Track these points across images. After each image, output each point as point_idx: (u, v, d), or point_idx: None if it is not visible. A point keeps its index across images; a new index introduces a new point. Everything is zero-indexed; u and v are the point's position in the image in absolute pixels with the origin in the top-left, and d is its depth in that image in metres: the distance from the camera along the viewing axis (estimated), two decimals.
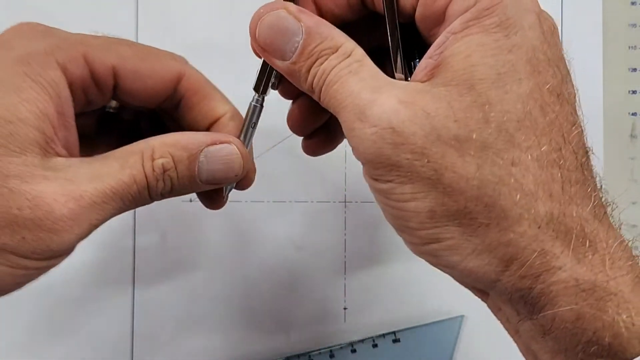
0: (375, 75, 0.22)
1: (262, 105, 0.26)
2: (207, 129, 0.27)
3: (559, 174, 0.21)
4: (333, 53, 0.23)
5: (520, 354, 0.38)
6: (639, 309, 0.20)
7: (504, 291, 0.21)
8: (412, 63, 0.25)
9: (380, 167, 0.21)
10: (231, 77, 0.36)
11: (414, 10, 0.23)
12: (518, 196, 0.20)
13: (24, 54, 0.22)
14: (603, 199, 0.22)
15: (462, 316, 0.36)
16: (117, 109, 0.28)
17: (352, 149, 0.22)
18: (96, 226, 0.23)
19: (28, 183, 0.21)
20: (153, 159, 0.24)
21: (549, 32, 0.22)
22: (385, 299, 0.37)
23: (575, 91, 0.23)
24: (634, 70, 0.39)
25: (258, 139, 0.36)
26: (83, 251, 0.36)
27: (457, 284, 0.39)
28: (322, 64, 0.23)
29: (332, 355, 0.36)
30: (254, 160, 0.27)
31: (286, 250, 0.36)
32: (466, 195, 0.20)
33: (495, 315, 0.23)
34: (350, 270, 0.37)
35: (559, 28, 0.38)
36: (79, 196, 0.22)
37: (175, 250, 0.36)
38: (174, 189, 0.25)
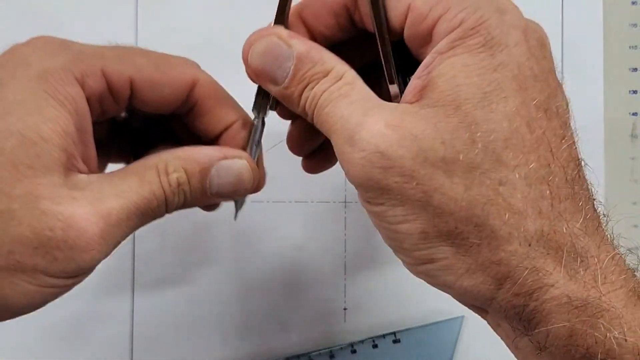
0: (365, 97, 0.23)
1: (263, 124, 0.27)
2: (219, 135, 0.27)
3: (548, 191, 0.21)
4: (324, 77, 0.23)
5: None
6: (631, 324, 0.20)
7: (499, 309, 0.21)
8: (407, 78, 0.25)
9: (371, 191, 0.22)
10: (231, 77, 0.36)
11: (402, 29, 0.23)
12: (507, 215, 0.20)
13: (42, 70, 0.22)
14: (597, 211, 0.22)
15: (462, 317, 0.36)
16: (127, 116, 0.28)
17: (345, 172, 0.22)
18: (120, 243, 0.24)
19: (59, 204, 0.21)
20: (168, 174, 0.24)
21: (537, 47, 0.22)
22: (385, 299, 0.37)
23: (567, 103, 0.23)
24: (635, 70, 0.38)
25: None
26: None
27: None
28: (313, 88, 0.23)
29: (332, 356, 0.36)
30: (264, 166, 0.28)
31: (286, 250, 0.36)
32: (456, 216, 0.21)
33: (495, 331, 0.23)
34: (350, 270, 0.37)
35: (559, 28, 0.38)
36: (107, 214, 0.22)
37: (174, 251, 0.36)
38: (186, 202, 0.25)
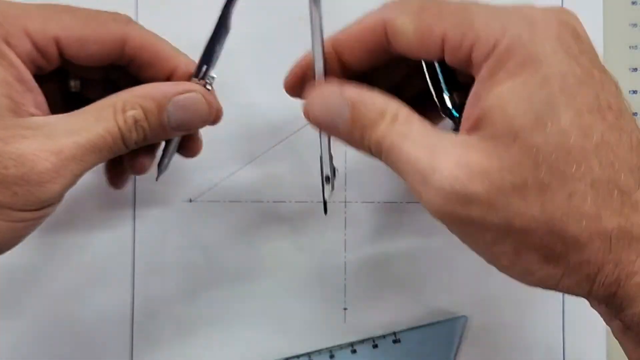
0: (424, 133, 0.24)
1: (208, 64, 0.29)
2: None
3: (616, 191, 0.22)
4: (381, 119, 0.25)
5: (520, 355, 0.38)
6: None
7: (595, 297, 0.23)
8: (453, 94, 0.26)
9: (455, 222, 0.23)
10: (231, 76, 0.36)
11: (443, 57, 0.25)
12: (584, 222, 0.22)
13: None
14: None
15: (464, 317, 0.36)
16: (81, 87, 0.30)
17: (426, 209, 0.24)
18: (79, 176, 0.26)
19: (9, 144, 0.23)
20: (125, 111, 0.26)
21: (573, 43, 0.23)
22: (385, 299, 0.37)
23: (616, 86, 0.23)
24: (635, 70, 0.38)
25: (258, 139, 0.36)
26: (83, 251, 0.36)
27: (460, 284, 0.39)
28: (373, 133, 0.25)
29: (332, 356, 0.36)
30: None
31: (286, 250, 0.36)
32: (539, 232, 0.22)
33: (595, 310, 0.25)
34: (350, 270, 0.37)
35: None
36: (59, 150, 0.24)
37: (175, 250, 0.36)
38: (147, 137, 0.27)
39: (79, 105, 0.27)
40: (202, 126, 0.29)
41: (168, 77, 0.29)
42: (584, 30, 0.24)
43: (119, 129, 0.26)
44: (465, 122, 0.24)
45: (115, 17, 0.28)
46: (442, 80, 0.26)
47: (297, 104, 0.36)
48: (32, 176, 0.24)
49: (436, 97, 0.26)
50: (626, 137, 0.22)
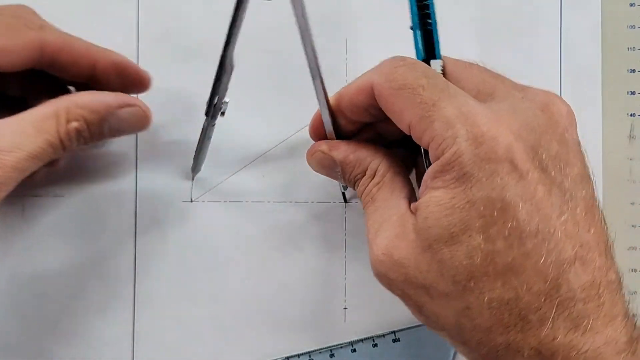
0: (384, 203, 0.28)
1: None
2: (90, 79, 0.30)
3: (515, 311, 0.23)
4: (363, 176, 0.29)
5: None
6: None
7: None
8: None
9: (384, 286, 0.28)
10: (231, 77, 0.36)
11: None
12: (475, 332, 0.24)
13: None
14: (574, 315, 0.23)
15: None
16: (20, 94, 0.31)
17: None
18: (19, 180, 0.27)
19: None
20: (68, 122, 0.27)
21: (510, 172, 0.24)
22: (385, 299, 0.36)
23: (585, 202, 0.25)
24: (633, 71, 0.39)
25: (258, 139, 0.36)
26: (83, 252, 0.36)
27: None
28: (357, 187, 0.30)
29: (332, 355, 0.36)
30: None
31: (286, 250, 0.36)
32: (440, 324, 0.26)
33: None
34: (350, 270, 0.37)
35: (558, 29, 0.38)
36: (2, 165, 0.25)
37: (175, 250, 0.36)
38: (85, 144, 0.28)
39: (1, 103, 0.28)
40: (137, 132, 0.31)
41: (90, 74, 0.30)
42: (570, 131, 0.25)
43: (61, 140, 0.27)
44: (413, 205, 0.26)
45: (27, 22, 0.29)
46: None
47: (296, 104, 0.36)
48: None
49: (423, 159, 0.28)
50: (532, 265, 0.23)
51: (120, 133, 0.30)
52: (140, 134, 0.36)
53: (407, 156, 0.31)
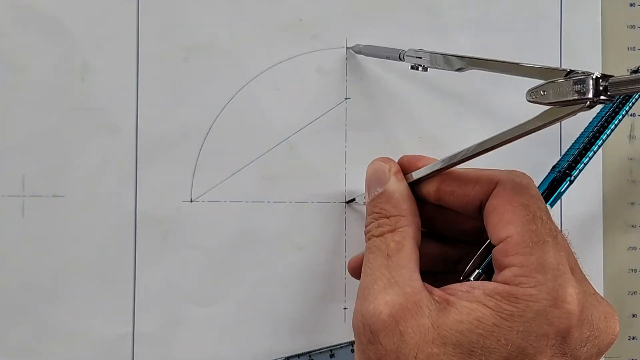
0: (392, 269, 0.26)
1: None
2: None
3: None
4: (385, 217, 0.27)
5: None
6: None
7: None
8: (479, 275, 0.28)
9: None
10: (232, 78, 0.36)
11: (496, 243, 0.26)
12: None
13: None
14: None
15: None
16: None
17: None
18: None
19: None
20: None
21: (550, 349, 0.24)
22: None
23: None
24: (634, 72, 0.39)
25: (258, 139, 0.36)
26: (83, 252, 0.36)
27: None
28: (374, 219, 0.28)
29: (332, 355, 0.36)
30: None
31: (286, 250, 0.36)
32: None
33: None
34: None
35: (558, 29, 0.38)
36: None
37: (175, 250, 0.36)
38: None
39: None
40: None
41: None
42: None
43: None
44: (436, 293, 0.25)
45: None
46: (485, 261, 0.27)
47: (296, 105, 0.36)
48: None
49: (470, 265, 0.27)
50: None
51: None
52: (140, 134, 0.36)
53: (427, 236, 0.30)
